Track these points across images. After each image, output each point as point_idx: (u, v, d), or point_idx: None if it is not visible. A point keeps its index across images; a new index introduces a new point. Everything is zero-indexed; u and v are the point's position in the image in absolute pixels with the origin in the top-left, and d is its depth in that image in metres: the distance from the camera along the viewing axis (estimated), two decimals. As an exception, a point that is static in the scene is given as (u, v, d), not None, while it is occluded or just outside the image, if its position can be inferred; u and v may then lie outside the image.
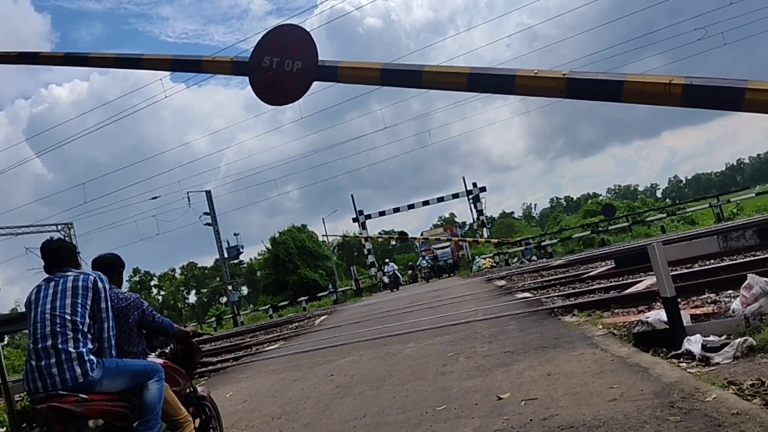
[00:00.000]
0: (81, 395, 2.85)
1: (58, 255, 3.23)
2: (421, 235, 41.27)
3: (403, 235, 46.26)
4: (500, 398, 4.20)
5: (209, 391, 4.24)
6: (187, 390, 3.85)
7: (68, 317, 2.96)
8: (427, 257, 31.92)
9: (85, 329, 2.98)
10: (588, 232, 31.11)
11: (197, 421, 3.86)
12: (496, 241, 35.12)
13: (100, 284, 3.13)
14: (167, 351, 3.92)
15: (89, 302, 3.05)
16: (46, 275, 3.18)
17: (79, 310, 3.00)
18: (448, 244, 36.07)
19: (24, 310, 3.24)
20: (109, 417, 2.94)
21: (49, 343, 2.90)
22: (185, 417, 3.45)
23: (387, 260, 34.02)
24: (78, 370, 2.87)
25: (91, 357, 2.94)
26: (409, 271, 38.49)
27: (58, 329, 2.92)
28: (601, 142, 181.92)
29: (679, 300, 5.10)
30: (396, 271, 30.32)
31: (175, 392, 3.51)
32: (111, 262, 3.64)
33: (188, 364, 3.97)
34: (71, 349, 2.90)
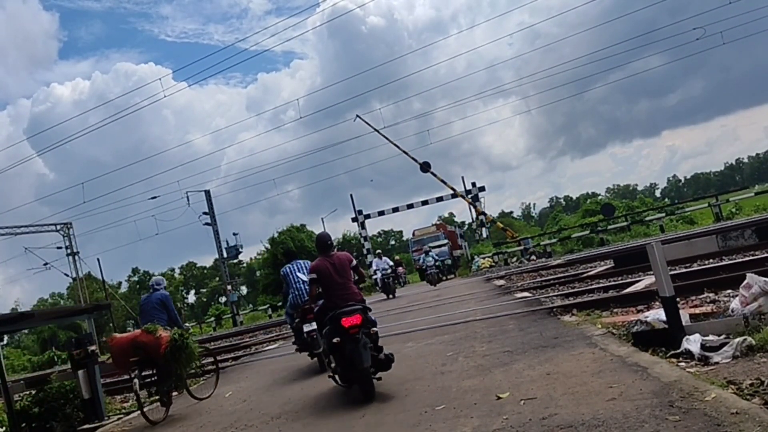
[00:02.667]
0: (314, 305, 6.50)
1: (292, 254, 9.30)
2: (413, 234, 39.19)
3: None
4: (499, 398, 4.20)
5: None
6: None
7: (305, 278, 7.32)
8: (431, 254, 24.69)
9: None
10: (587, 232, 31.15)
11: None
12: (501, 225, 34.49)
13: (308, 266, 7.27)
14: None
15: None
16: (289, 263, 8.11)
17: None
18: (445, 242, 34.33)
19: (26, 309, 3.82)
20: None
21: (301, 286, 7.61)
22: None
23: (378, 252, 25.68)
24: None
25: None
26: (398, 268, 30.13)
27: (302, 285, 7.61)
28: (602, 141, 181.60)
29: (678, 299, 5.11)
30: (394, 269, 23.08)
31: None
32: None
33: None
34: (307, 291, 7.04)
